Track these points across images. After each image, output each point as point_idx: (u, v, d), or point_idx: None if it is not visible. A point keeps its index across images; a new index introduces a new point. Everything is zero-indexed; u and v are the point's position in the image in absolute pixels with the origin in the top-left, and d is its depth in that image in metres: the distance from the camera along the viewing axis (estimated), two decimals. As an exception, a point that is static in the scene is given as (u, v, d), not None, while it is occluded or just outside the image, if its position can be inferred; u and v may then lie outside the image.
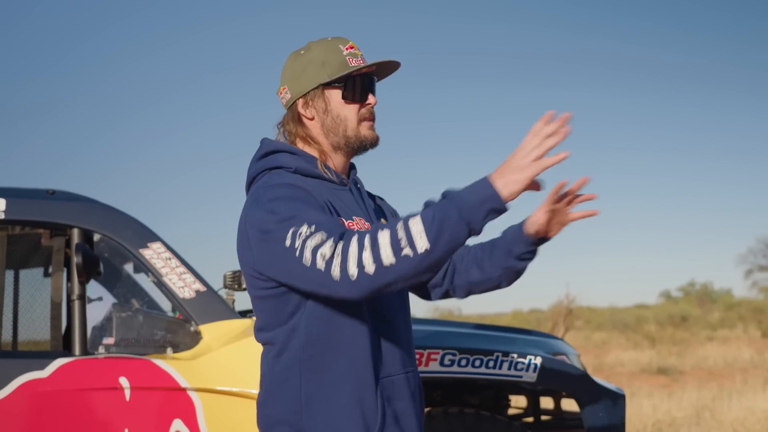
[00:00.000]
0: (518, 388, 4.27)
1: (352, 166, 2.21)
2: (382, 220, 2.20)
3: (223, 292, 3.69)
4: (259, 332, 2.07)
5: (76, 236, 3.41)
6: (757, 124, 36.70)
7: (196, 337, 3.42)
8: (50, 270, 3.57)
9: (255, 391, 3.25)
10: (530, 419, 4.43)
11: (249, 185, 2.15)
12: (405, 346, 2.07)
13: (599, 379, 3.88)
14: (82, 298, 3.37)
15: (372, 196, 2.30)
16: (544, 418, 4.44)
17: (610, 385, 3.91)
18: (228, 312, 3.50)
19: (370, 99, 2.11)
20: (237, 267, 3.76)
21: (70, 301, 3.39)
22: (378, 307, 2.02)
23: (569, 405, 4.53)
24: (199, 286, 3.48)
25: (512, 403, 4.50)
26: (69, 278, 3.44)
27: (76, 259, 3.29)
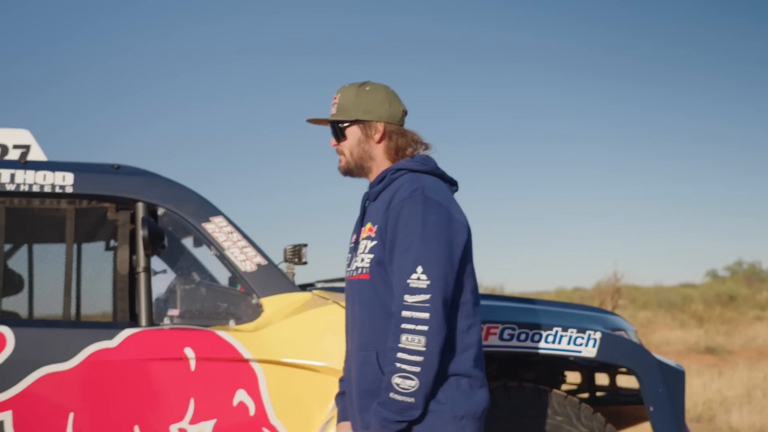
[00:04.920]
0: (574, 363, 4.26)
1: (380, 179, 2.56)
2: (362, 229, 2.54)
3: (283, 266, 3.73)
4: None
5: (140, 210, 3.47)
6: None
7: (258, 310, 3.47)
8: (114, 243, 3.64)
9: (316, 363, 3.30)
10: (585, 395, 4.42)
11: None
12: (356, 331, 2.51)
13: (658, 355, 3.86)
14: (148, 270, 3.44)
15: (381, 200, 2.53)
16: (599, 394, 4.44)
17: (670, 361, 3.89)
18: (289, 285, 3.54)
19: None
20: (297, 241, 3.82)
21: (135, 274, 3.46)
22: (346, 303, 2.60)
23: (624, 381, 4.51)
24: (260, 259, 3.52)
25: (567, 379, 4.49)
26: (134, 251, 3.50)
27: (141, 233, 3.34)
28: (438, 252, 2.34)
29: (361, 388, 2.47)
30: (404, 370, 2.28)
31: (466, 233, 2.44)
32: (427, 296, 2.30)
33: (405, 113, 2.63)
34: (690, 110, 35.52)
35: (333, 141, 2.63)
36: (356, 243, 2.58)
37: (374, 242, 2.47)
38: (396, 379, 2.29)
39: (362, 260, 2.49)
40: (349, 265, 2.61)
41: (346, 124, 2.58)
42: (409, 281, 2.33)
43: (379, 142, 2.58)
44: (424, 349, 2.27)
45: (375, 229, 2.48)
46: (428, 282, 2.31)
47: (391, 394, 2.30)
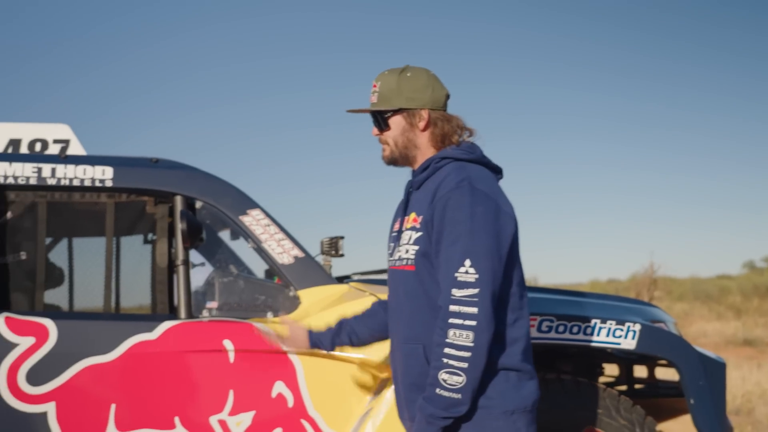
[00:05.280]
0: (612, 355, 4.23)
1: (424, 168, 2.51)
2: (406, 218, 2.50)
3: (320, 258, 3.74)
4: None
5: (179, 203, 3.49)
6: None
7: (295, 302, 3.49)
8: (153, 236, 3.67)
9: (353, 355, 3.30)
10: (624, 387, 4.39)
11: None
12: (401, 323, 2.50)
13: (699, 348, 3.82)
14: (186, 263, 3.46)
15: (427, 189, 2.48)
16: (637, 386, 4.40)
17: (710, 354, 3.84)
18: (326, 277, 3.54)
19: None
20: (334, 233, 3.83)
21: (174, 267, 3.48)
22: (389, 293, 2.58)
23: (662, 373, 4.47)
24: (297, 252, 3.53)
25: (605, 372, 4.46)
26: (172, 244, 3.53)
27: (180, 226, 3.36)
28: (486, 245, 2.28)
29: (407, 381, 2.45)
30: (451, 366, 2.24)
31: (514, 225, 2.38)
32: (476, 290, 2.25)
33: (448, 97, 2.55)
34: (725, 105, 35.10)
35: (375, 131, 2.56)
36: (399, 232, 2.53)
37: (419, 233, 2.41)
38: (443, 375, 2.25)
39: (406, 251, 2.45)
40: (391, 254, 2.57)
41: (388, 114, 2.51)
42: (456, 275, 2.27)
43: (424, 129, 2.51)
44: (471, 344, 2.23)
45: (420, 219, 2.43)
46: (476, 276, 2.26)
47: (438, 390, 2.26)
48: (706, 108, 34.88)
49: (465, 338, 2.24)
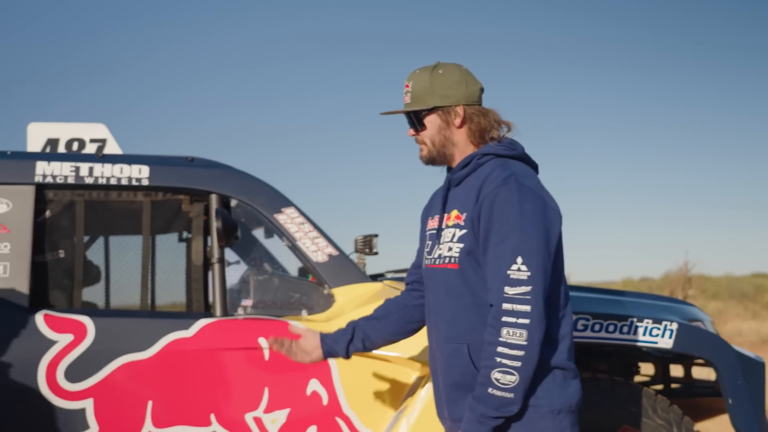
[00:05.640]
0: (647, 354, 4.19)
1: (464, 164, 2.47)
2: (446, 216, 2.45)
3: (354, 256, 3.74)
4: None
5: (214, 202, 3.52)
6: None
7: (330, 300, 3.50)
8: (188, 234, 3.70)
9: (388, 353, 3.30)
10: (660, 387, 4.35)
11: None
12: (441, 322, 2.47)
13: (737, 347, 3.77)
14: (222, 261, 3.48)
15: (468, 185, 2.44)
16: (674, 386, 4.35)
17: (749, 353, 3.79)
18: (360, 275, 3.55)
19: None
20: (368, 231, 3.83)
21: (210, 265, 3.51)
22: (428, 292, 2.54)
23: (697, 373, 4.42)
24: (331, 250, 3.54)
25: (641, 371, 4.42)
26: (208, 242, 3.55)
27: (216, 224, 3.39)
28: (537, 242, 2.25)
29: (448, 381, 2.42)
30: (504, 365, 2.21)
31: (560, 221, 2.35)
32: (528, 288, 2.22)
33: (482, 90, 2.51)
34: (753, 100, 34.64)
35: (411, 131, 2.53)
36: (438, 230, 2.49)
37: (464, 231, 2.37)
38: (495, 374, 2.21)
39: (449, 249, 2.40)
40: (429, 253, 2.52)
41: (423, 113, 2.47)
42: (509, 272, 2.24)
43: (460, 126, 2.47)
44: (525, 343, 2.20)
45: (464, 216, 2.39)
46: (529, 273, 2.23)
47: (490, 390, 2.22)
48: (744, 109, 34.46)
49: (519, 337, 2.20)
